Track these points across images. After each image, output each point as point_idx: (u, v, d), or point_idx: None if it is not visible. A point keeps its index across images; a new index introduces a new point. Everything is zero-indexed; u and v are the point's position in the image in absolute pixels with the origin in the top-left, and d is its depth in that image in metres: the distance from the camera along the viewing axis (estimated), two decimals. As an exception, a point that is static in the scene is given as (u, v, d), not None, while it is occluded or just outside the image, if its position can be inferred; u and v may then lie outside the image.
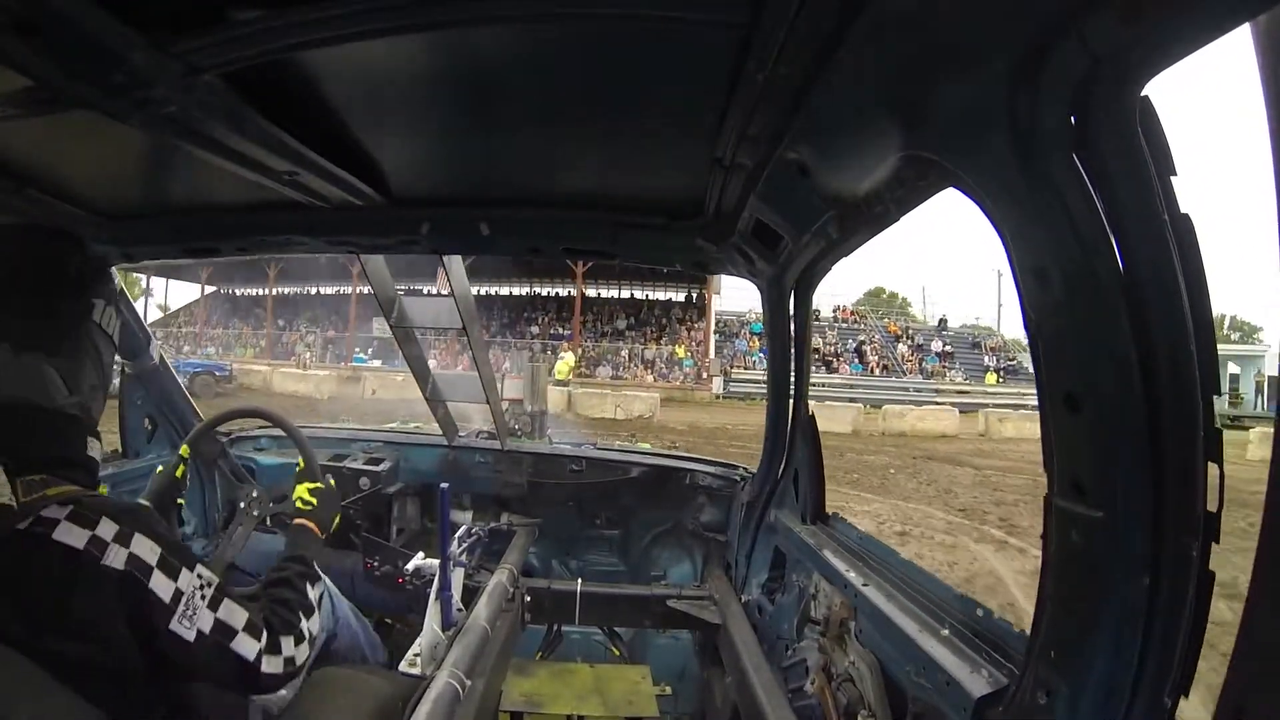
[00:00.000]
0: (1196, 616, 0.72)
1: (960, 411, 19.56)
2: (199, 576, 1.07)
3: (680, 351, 29.29)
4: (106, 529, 0.99)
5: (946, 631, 1.18)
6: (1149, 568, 0.74)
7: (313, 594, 1.32)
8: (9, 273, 1.09)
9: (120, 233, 1.89)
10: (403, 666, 1.60)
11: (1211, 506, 0.70)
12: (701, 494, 2.62)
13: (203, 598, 1.06)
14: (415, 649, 1.65)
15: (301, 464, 1.74)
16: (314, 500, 1.61)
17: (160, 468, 1.83)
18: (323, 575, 1.39)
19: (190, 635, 1.03)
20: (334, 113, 1.24)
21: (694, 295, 32.56)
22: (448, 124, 1.36)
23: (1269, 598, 0.60)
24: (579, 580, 2.28)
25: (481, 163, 1.56)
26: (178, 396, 2.60)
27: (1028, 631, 0.92)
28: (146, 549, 1.01)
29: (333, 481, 1.73)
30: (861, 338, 30.67)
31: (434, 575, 1.76)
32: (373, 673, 1.61)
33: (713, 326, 30.18)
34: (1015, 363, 30.07)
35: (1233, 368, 30.47)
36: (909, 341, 31.43)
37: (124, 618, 0.98)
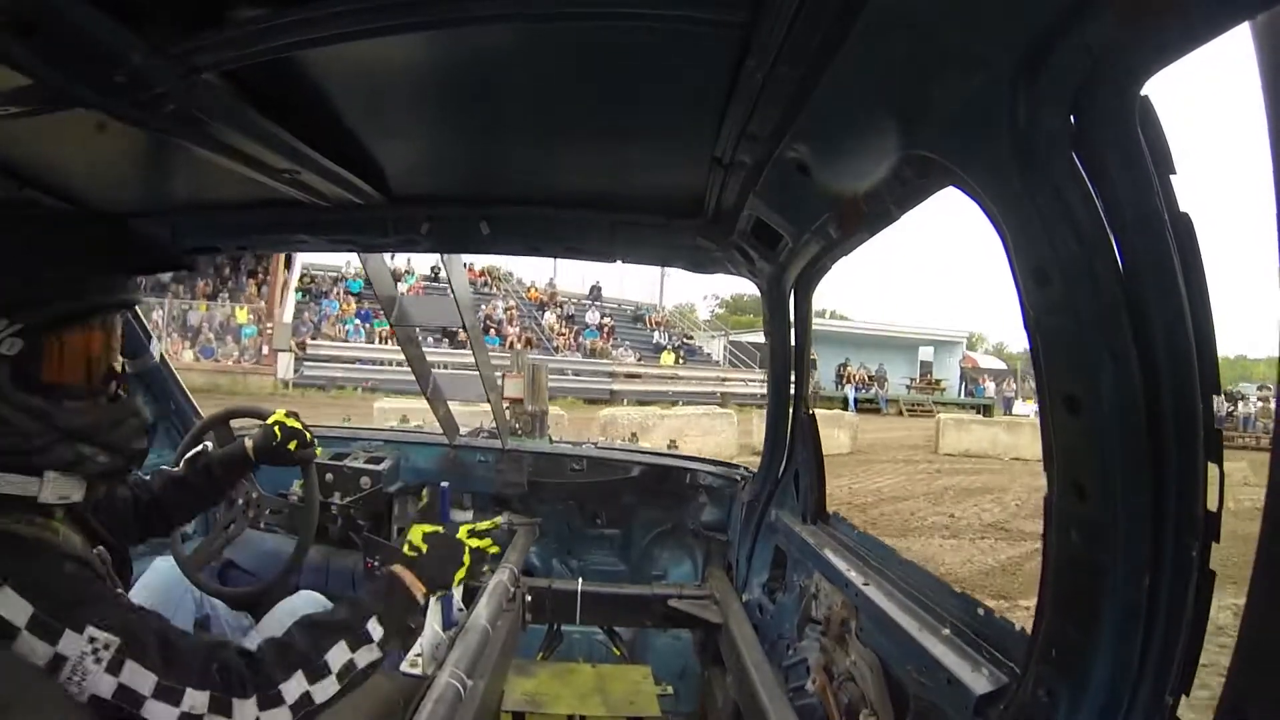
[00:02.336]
0: (1197, 616, 0.72)
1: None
2: (90, 640, 0.90)
3: (241, 315, 19.22)
4: None
5: (947, 630, 1.18)
6: (1149, 568, 0.74)
7: (342, 657, 1.09)
8: None
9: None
10: (404, 667, 1.60)
11: (1212, 506, 0.70)
12: (702, 493, 2.62)
13: (97, 661, 0.90)
14: (416, 649, 1.65)
15: (424, 499, 1.57)
16: (424, 546, 1.33)
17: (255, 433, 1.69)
18: (379, 639, 1.14)
19: (82, 700, 0.89)
20: (334, 111, 1.24)
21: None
22: (447, 123, 1.36)
23: (1269, 598, 0.60)
24: (580, 580, 2.28)
25: (481, 162, 1.57)
26: (179, 396, 2.60)
27: (1028, 631, 0.92)
28: (14, 608, 0.87)
29: (463, 534, 1.40)
30: (497, 304, 23.17)
31: None
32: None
33: (295, 281, 21.01)
34: (692, 342, 25.76)
35: (924, 353, 29.47)
36: (558, 311, 24.70)
37: None
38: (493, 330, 21.23)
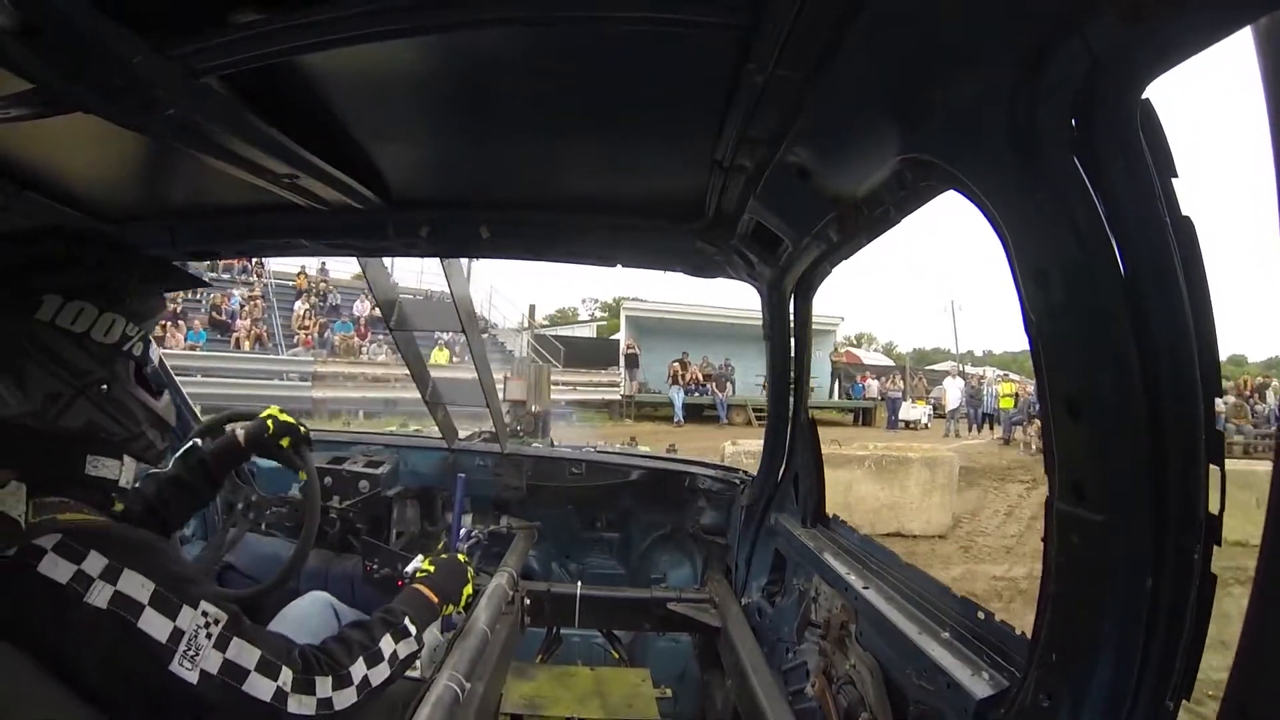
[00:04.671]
0: (1198, 619, 0.72)
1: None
2: (204, 614, 0.98)
3: None
4: (94, 563, 0.92)
5: (947, 634, 1.18)
6: (1150, 570, 0.74)
7: (390, 646, 1.21)
8: None
9: (119, 236, 1.89)
10: None
11: (1213, 509, 0.70)
12: (701, 497, 2.62)
13: (208, 636, 0.97)
14: None
15: (442, 544, 1.72)
16: (433, 567, 1.51)
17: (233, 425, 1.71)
18: (415, 633, 1.27)
19: (193, 677, 0.94)
20: (334, 116, 1.24)
21: None
22: (447, 127, 1.36)
23: (1270, 598, 0.60)
24: (579, 583, 2.27)
25: (481, 166, 1.57)
26: (177, 399, 2.60)
27: (1028, 635, 0.92)
28: (136, 585, 0.93)
29: (462, 556, 1.61)
30: (234, 292, 18.11)
31: None
32: None
33: None
34: (486, 336, 18.03)
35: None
36: (316, 300, 19.46)
37: (107, 660, 0.91)
38: (197, 325, 16.23)
